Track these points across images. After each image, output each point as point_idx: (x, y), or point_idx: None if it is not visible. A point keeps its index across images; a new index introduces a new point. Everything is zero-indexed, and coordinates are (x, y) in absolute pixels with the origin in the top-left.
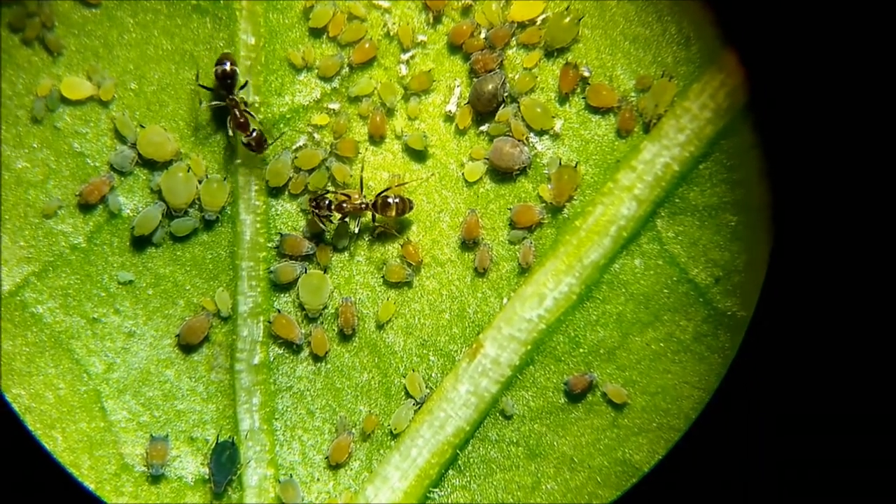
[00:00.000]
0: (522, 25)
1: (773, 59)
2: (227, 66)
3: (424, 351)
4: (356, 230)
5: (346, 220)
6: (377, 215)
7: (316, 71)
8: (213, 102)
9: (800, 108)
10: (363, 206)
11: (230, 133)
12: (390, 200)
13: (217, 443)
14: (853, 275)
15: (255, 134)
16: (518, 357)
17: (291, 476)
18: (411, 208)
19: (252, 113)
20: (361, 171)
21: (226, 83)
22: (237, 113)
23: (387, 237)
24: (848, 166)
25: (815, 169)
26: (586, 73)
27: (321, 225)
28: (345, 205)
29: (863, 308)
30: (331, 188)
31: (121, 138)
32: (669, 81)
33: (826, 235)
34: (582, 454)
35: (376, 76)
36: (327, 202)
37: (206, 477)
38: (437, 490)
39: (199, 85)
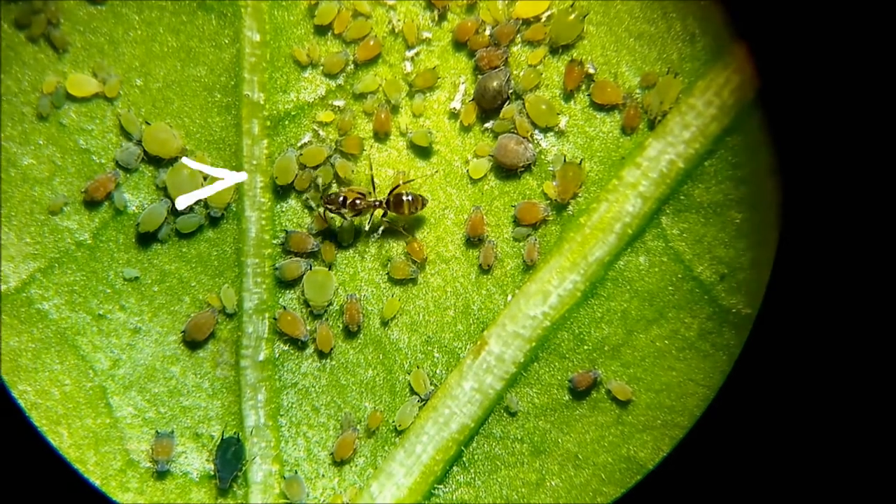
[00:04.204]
0: (527, 22)
1: (783, 52)
2: None
3: (429, 348)
4: (367, 228)
5: (358, 216)
6: (389, 213)
7: (321, 68)
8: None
9: (809, 103)
10: (377, 203)
11: None
12: (404, 198)
13: (222, 439)
14: (858, 271)
15: None
16: (523, 354)
17: (296, 472)
18: (424, 205)
19: None
20: (371, 168)
21: None
22: None
23: (393, 234)
24: (855, 163)
25: (822, 165)
26: (591, 70)
27: (327, 222)
28: (358, 202)
29: (868, 305)
30: (341, 186)
31: (126, 135)
32: (675, 78)
33: (831, 232)
34: (586, 451)
35: (381, 73)
36: (341, 199)
37: (212, 473)
38: (441, 487)
39: None
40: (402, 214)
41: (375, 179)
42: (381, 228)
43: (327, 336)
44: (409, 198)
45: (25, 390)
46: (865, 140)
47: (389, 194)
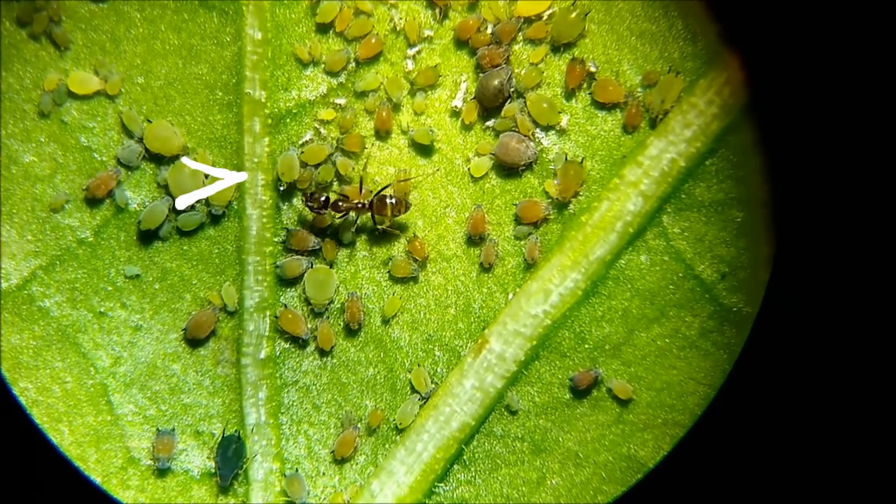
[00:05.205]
0: (529, 20)
1: (773, 60)
2: None
3: (430, 346)
4: (353, 229)
5: (347, 216)
6: (375, 215)
7: (322, 66)
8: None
9: (801, 107)
10: (360, 205)
11: None
12: (387, 200)
13: (223, 437)
14: (859, 270)
15: None
16: (523, 352)
17: (297, 470)
18: (407, 209)
19: None
20: (364, 168)
21: None
22: None
23: (389, 235)
24: (852, 163)
25: (819, 166)
26: (593, 69)
27: (321, 221)
28: (341, 203)
29: (868, 304)
30: (342, 184)
31: (128, 133)
32: (676, 77)
33: (831, 231)
34: (587, 450)
35: (383, 71)
36: (324, 199)
37: (212, 471)
38: (442, 485)
39: None
40: (385, 216)
41: (377, 177)
42: (377, 231)
43: (328, 334)
44: (392, 200)
45: (26, 388)
46: (863, 140)
47: (374, 196)
